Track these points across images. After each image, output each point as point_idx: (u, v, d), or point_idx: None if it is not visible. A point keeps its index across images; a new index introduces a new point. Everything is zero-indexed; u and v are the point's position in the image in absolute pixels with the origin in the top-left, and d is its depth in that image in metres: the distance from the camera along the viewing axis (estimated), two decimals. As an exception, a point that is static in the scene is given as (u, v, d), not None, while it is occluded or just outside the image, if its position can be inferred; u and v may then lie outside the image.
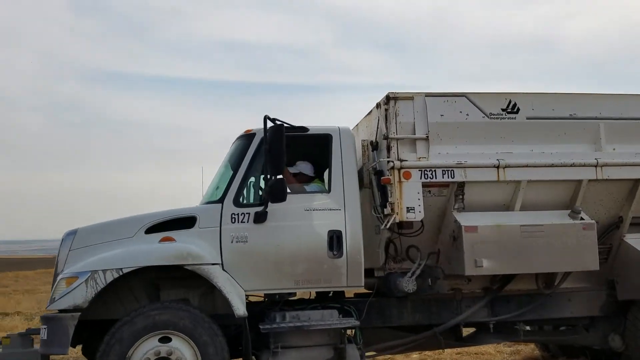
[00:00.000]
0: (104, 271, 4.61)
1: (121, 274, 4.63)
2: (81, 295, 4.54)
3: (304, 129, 5.35)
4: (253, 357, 4.96)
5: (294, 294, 5.40)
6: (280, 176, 4.88)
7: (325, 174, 5.56)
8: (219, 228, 5.01)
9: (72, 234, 5.04)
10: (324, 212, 5.18)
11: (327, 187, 5.31)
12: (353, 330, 5.33)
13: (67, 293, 4.55)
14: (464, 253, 5.14)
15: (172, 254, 4.77)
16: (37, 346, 5.11)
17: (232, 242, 4.99)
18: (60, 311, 4.58)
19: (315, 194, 5.31)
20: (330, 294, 5.66)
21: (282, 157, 4.83)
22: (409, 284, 5.29)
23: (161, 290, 5.12)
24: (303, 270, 5.08)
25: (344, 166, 5.35)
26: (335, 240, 5.12)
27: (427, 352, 7.27)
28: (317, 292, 5.67)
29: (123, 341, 4.50)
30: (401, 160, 5.25)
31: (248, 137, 5.35)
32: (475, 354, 7.46)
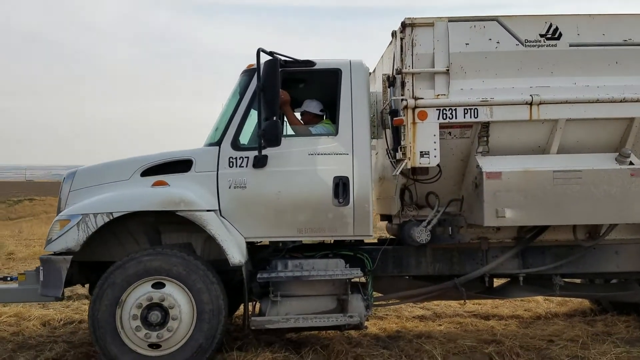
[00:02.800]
0: (95, 215, 4.50)
1: (111, 218, 4.50)
2: (73, 238, 4.47)
3: (309, 63, 4.85)
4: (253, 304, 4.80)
5: (300, 242, 5.11)
6: (274, 118, 4.46)
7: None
8: (215, 172, 4.73)
9: (72, 174, 4.96)
10: (329, 157, 4.76)
11: (336, 129, 4.84)
12: (364, 278, 5.01)
13: (61, 236, 4.50)
14: (484, 202, 4.58)
15: (163, 200, 4.57)
16: None
17: (229, 187, 4.71)
18: (55, 254, 4.55)
19: (320, 137, 4.87)
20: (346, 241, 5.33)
21: (276, 96, 4.41)
22: (421, 234, 4.84)
23: (162, 234, 4.99)
24: (306, 218, 4.74)
25: (354, 105, 4.84)
26: (341, 187, 4.71)
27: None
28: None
29: (115, 286, 4.44)
30: (416, 99, 4.65)
31: (249, 72, 4.92)
32: (521, 300, 6.96)
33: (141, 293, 4.44)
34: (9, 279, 5.62)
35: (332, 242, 5.29)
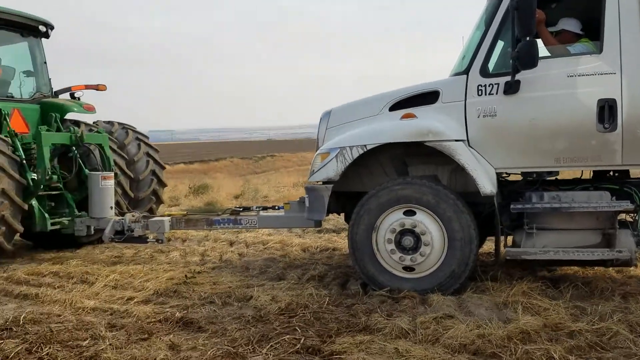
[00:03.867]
0: (351, 147, 4.83)
1: (365, 150, 4.78)
2: (333, 169, 4.88)
3: None
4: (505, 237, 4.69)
5: (556, 173, 4.79)
6: (529, 38, 4.17)
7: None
8: (463, 102, 4.66)
9: (327, 114, 5.36)
10: (592, 77, 4.32)
11: (597, 47, 4.35)
12: (634, 215, 4.51)
13: (322, 167, 4.95)
14: None
15: (412, 131, 4.68)
16: None
17: (478, 116, 4.60)
18: (316, 183, 5.04)
19: (581, 56, 4.43)
20: (611, 173, 4.86)
21: (532, 14, 4.11)
22: None
23: (409, 166, 5.15)
24: (565, 146, 4.41)
25: (622, 17, 4.27)
26: (607, 110, 4.26)
27: None
28: (594, 172, 4.94)
29: (371, 212, 4.75)
30: None
31: (497, -6, 4.66)
32: None
33: (394, 219, 4.69)
34: (276, 207, 6.47)
35: (590, 175, 4.85)
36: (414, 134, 4.66)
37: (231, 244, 7.58)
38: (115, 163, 7.86)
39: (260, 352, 3.50)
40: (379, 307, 4.29)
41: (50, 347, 3.62)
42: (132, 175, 8.20)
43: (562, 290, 4.46)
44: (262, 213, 6.37)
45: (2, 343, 3.74)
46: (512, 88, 4.47)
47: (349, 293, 4.73)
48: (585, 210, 4.36)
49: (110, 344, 3.68)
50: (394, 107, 4.94)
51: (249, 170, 36.07)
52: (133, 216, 7.01)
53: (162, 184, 8.92)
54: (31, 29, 7.95)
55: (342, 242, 7.25)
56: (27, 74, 8.24)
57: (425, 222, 4.61)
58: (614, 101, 4.25)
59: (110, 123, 8.85)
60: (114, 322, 4.16)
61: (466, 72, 4.69)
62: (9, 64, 8.07)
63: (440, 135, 4.59)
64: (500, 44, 4.65)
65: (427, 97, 4.82)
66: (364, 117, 5.08)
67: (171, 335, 3.84)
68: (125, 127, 8.76)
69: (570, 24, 4.73)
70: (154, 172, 8.69)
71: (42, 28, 8.05)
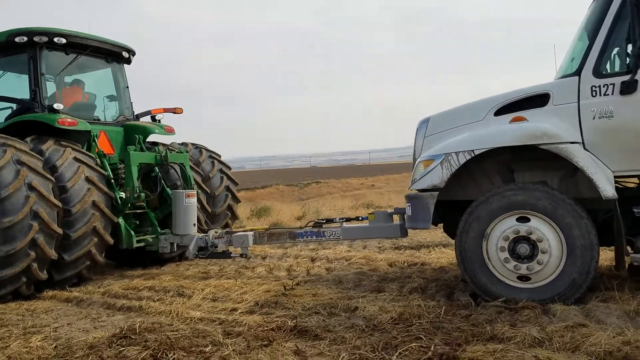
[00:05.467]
0: (457, 153, 4.71)
1: (473, 155, 4.65)
2: (438, 176, 4.76)
3: None
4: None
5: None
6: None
7: None
8: (576, 103, 4.49)
9: (426, 121, 5.27)
10: None
11: None
12: None
13: (425, 174, 4.84)
14: None
15: (524, 134, 4.53)
16: (396, 222, 5.84)
17: (593, 118, 4.42)
18: (420, 191, 4.92)
19: None
20: None
21: None
22: None
23: (515, 172, 4.98)
24: None
25: None
26: None
27: None
28: None
29: (480, 219, 4.60)
30: None
31: (608, -5, 4.53)
32: None
33: (507, 226, 4.52)
34: (360, 218, 6.39)
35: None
36: (526, 137, 4.51)
37: (312, 260, 7.50)
38: (194, 180, 8.01)
39: (390, 359, 3.38)
40: (497, 317, 4.10)
41: (174, 353, 3.60)
42: (208, 191, 8.34)
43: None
44: (345, 225, 6.31)
45: (124, 350, 3.75)
46: (629, 88, 4.28)
47: (460, 304, 4.55)
48: None
49: (233, 350, 3.63)
50: (500, 112, 4.81)
51: (295, 197, 36.13)
52: (216, 232, 7.06)
53: (236, 199, 9.03)
54: (115, 55, 8.25)
55: (425, 257, 7.09)
56: (111, 98, 8.54)
57: (542, 228, 4.42)
58: None
59: (184, 144, 9.08)
60: (228, 330, 4.12)
61: (577, 73, 4.53)
62: (94, 89, 8.40)
63: (555, 138, 4.42)
64: (613, 44, 4.48)
65: (536, 100, 4.68)
66: (466, 123, 4.96)
67: (292, 342, 3.76)
68: (198, 147, 8.97)
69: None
70: (228, 188, 8.83)
71: (125, 54, 8.35)
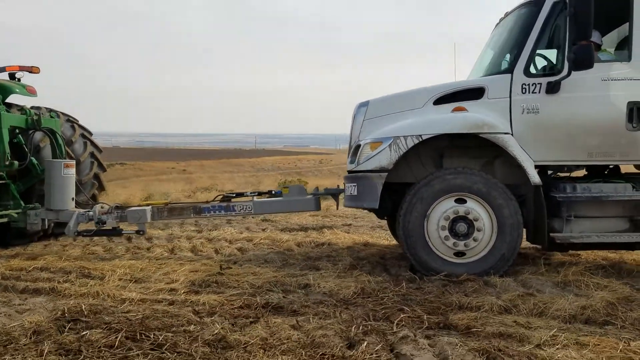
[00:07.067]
0: (405, 137, 4.92)
1: (421, 140, 4.91)
2: (386, 158, 4.93)
3: None
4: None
5: (582, 167, 5.34)
6: (585, 41, 4.66)
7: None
8: (508, 99, 5.01)
9: (365, 105, 5.38)
10: (623, 82, 4.91)
11: (628, 55, 4.97)
12: None
13: (373, 156, 4.97)
14: None
15: (469, 123, 4.91)
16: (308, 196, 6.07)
17: (522, 112, 4.98)
18: (367, 172, 5.03)
19: (612, 63, 5.01)
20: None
21: (590, 19, 4.60)
22: None
23: (444, 158, 5.35)
24: (598, 142, 4.95)
25: None
26: (635, 112, 4.87)
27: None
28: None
29: (423, 200, 4.88)
30: None
31: (536, 3, 5.12)
32: None
33: (447, 207, 4.87)
34: (273, 192, 6.32)
35: (606, 172, 5.49)
36: (471, 126, 4.90)
37: (210, 240, 7.14)
38: None
39: (392, 328, 3.42)
40: (447, 289, 4.38)
41: (153, 335, 3.18)
42: (73, 157, 7.41)
43: (598, 272, 4.94)
44: (256, 199, 6.17)
45: (87, 333, 3.20)
46: (554, 88, 4.92)
47: (405, 278, 4.75)
48: (613, 200, 4.91)
49: (222, 328, 3.33)
50: (439, 101, 5.13)
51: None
52: (102, 207, 6.36)
53: (102, 167, 8.21)
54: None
55: (323, 237, 7.18)
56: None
57: (477, 209, 4.85)
58: None
59: (37, 107, 7.88)
60: (198, 310, 3.76)
61: (509, 71, 5.05)
62: None
63: (494, 128, 4.88)
64: (541, 47, 5.09)
65: (473, 93, 5.10)
66: (406, 109, 5.20)
67: (279, 318, 3.58)
68: (52, 110, 7.87)
69: (595, 37, 5.33)
70: (92, 155, 8.02)
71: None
